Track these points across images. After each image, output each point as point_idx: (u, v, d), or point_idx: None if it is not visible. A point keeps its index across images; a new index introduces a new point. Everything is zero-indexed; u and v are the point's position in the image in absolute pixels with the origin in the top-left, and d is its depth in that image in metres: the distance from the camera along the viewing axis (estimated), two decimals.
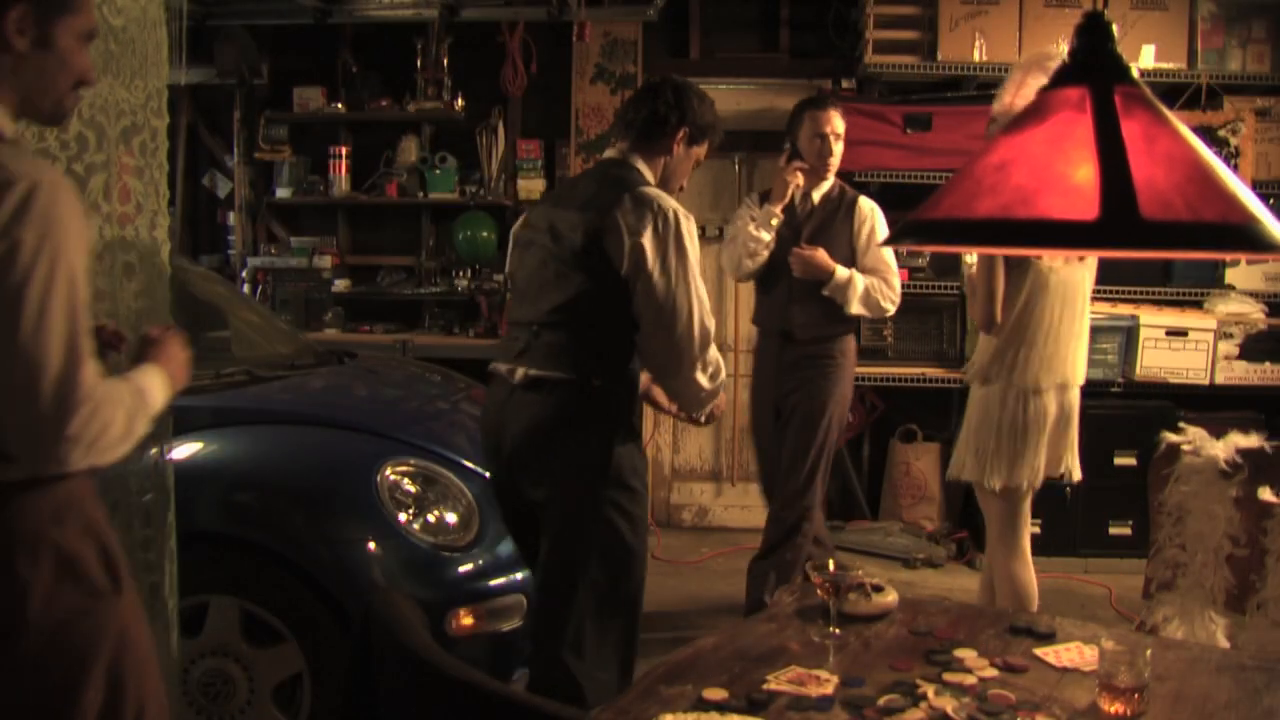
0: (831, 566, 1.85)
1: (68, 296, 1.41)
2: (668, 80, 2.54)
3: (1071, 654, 1.75)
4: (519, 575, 2.76)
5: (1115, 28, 1.26)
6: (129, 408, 1.49)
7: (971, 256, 3.07)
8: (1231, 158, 4.55)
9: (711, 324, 2.39)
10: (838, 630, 1.81)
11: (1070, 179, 1.11)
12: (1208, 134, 4.54)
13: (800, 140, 3.59)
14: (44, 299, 1.38)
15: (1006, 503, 3.02)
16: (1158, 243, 1.12)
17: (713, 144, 2.57)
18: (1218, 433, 2.94)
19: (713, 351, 2.40)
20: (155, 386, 1.59)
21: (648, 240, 2.30)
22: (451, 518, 2.76)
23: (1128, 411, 4.62)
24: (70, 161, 1.92)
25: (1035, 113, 1.21)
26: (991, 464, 2.98)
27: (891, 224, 3.36)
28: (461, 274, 5.31)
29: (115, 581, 1.55)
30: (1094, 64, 1.22)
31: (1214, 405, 4.69)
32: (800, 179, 3.56)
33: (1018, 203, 1.12)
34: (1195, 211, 1.08)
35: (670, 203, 2.37)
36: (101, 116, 1.97)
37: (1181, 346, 4.62)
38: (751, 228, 3.56)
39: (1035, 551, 4.58)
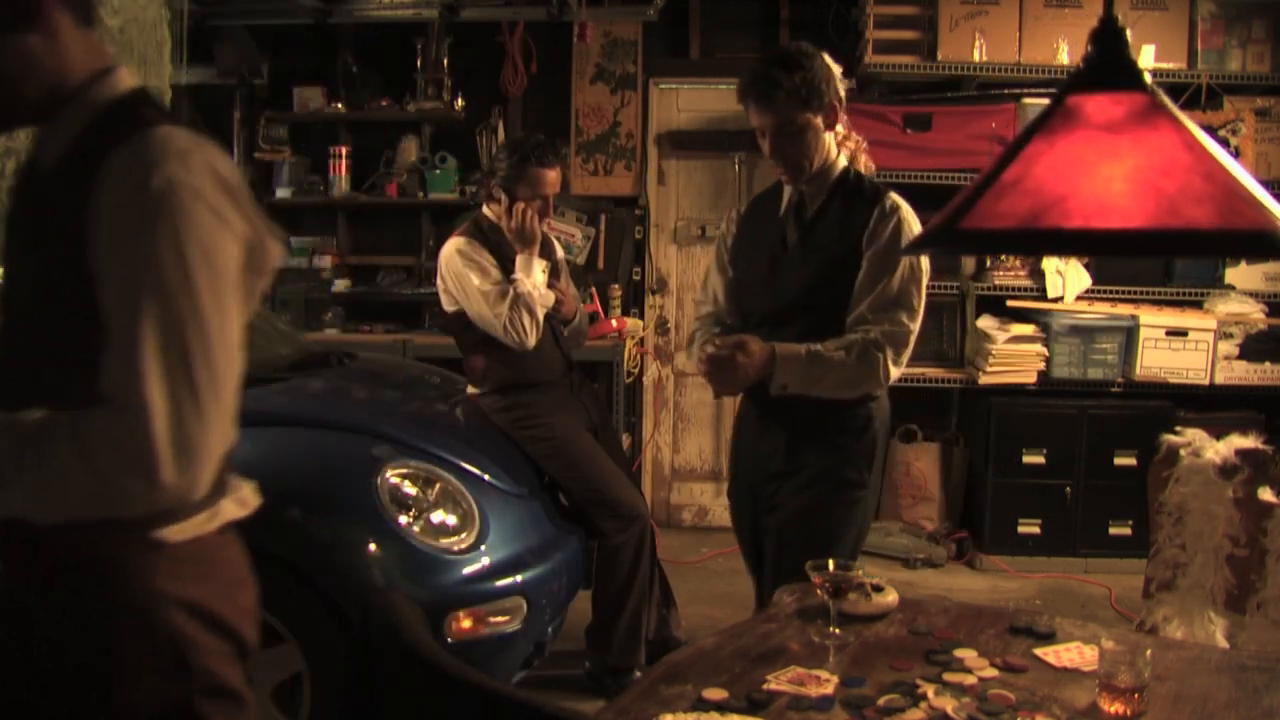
0: (831, 566, 1.85)
1: None
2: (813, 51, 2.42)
3: (1071, 654, 1.75)
4: (519, 578, 2.76)
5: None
6: None
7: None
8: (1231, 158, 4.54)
9: None
10: (838, 630, 1.81)
11: (1241, 187, 1.05)
12: (1208, 134, 4.53)
13: None
14: None
15: None
16: None
17: None
18: (1218, 433, 2.93)
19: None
20: None
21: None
22: (452, 520, 2.76)
23: (1128, 411, 4.63)
24: None
25: (1133, 114, 1.12)
26: None
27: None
28: None
29: None
30: (1133, 71, 1.16)
31: (1214, 405, 4.69)
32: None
33: (1229, 212, 1.04)
34: None
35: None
36: None
37: (1181, 346, 4.62)
38: None
39: (1035, 551, 4.64)
